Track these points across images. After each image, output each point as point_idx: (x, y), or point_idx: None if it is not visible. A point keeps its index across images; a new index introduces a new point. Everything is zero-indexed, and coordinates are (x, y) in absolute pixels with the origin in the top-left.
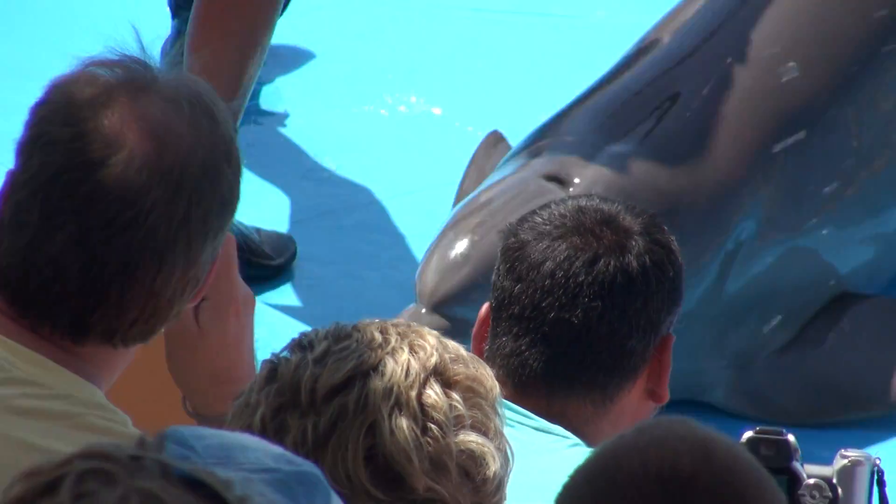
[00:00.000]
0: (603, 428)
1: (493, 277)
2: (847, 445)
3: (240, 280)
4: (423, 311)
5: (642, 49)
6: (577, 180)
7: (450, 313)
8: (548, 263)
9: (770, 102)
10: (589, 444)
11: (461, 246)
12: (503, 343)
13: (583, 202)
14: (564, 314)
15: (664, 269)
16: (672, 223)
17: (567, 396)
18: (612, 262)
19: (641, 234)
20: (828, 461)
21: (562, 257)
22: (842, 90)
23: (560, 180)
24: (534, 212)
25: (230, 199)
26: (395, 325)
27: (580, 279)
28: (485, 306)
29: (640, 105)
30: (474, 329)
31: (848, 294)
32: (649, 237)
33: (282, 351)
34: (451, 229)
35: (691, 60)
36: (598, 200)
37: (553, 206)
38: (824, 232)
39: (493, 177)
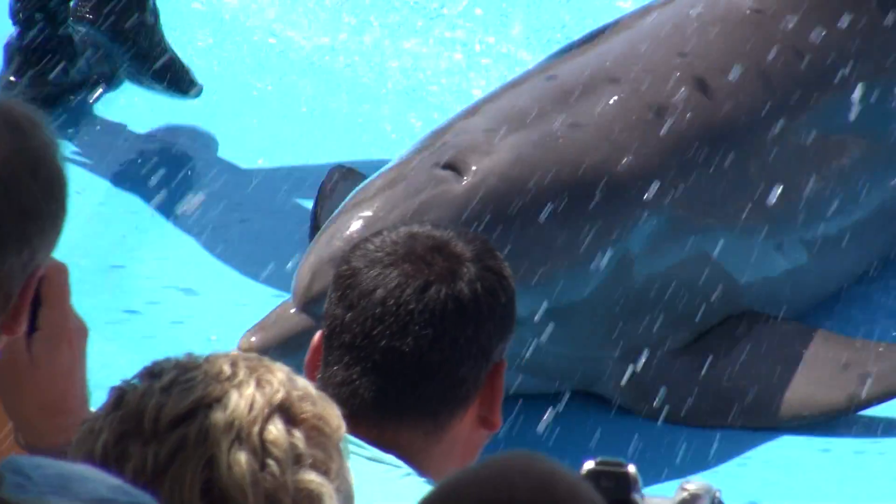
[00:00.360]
0: (435, 456)
1: (326, 305)
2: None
3: (73, 311)
4: (293, 310)
5: (554, 56)
6: (474, 168)
7: (319, 313)
8: (379, 291)
9: (684, 110)
10: (422, 472)
11: (338, 243)
12: (335, 372)
13: (415, 229)
14: (395, 342)
15: (496, 296)
16: (569, 213)
17: (399, 425)
18: (443, 290)
19: (473, 261)
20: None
21: (393, 285)
22: (763, 113)
23: (456, 168)
24: (366, 238)
25: (35, 213)
26: (246, 359)
27: (411, 307)
28: (317, 334)
29: (546, 100)
30: (307, 357)
31: (758, 314)
32: (481, 263)
33: (132, 378)
34: (334, 224)
35: (605, 64)
36: (430, 227)
37: (385, 232)
38: (730, 244)
39: (386, 167)
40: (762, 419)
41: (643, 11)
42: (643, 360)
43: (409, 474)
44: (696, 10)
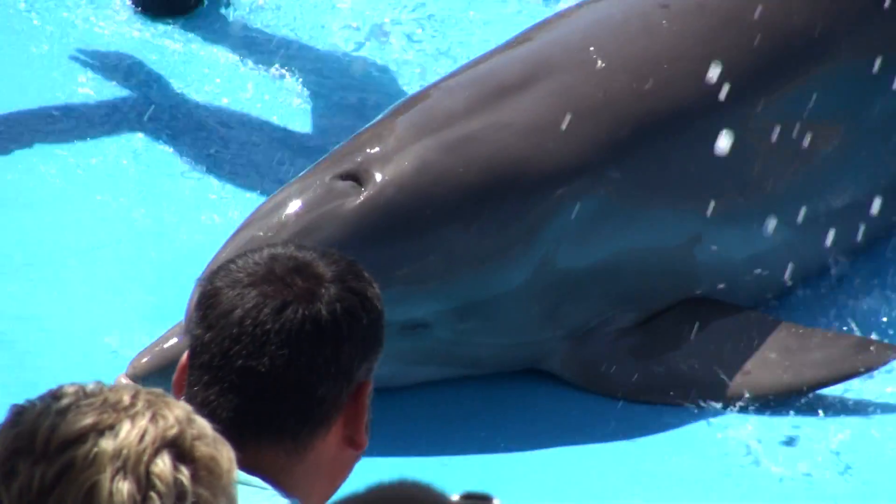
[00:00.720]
0: (299, 476)
1: (191, 325)
2: None
3: None
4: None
5: (479, 56)
6: (377, 177)
7: None
8: (237, 311)
9: (623, 96)
10: (287, 493)
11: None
12: (195, 392)
13: (277, 250)
14: (252, 362)
15: (357, 317)
16: (480, 214)
17: (258, 445)
18: (300, 310)
19: (334, 282)
20: None
21: (250, 305)
22: (713, 93)
23: (357, 178)
24: (231, 259)
25: None
26: (150, 393)
27: (267, 327)
28: (185, 354)
29: (465, 102)
30: (175, 377)
31: (712, 300)
32: (343, 284)
33: (36, 397)
34: (228, 244)
35: (530, 61)
36: (293, 248)
37: (249, 254)
38: (674, 228)
39: (292, 180)
40: (706, 397)
41: (574, 8)
42: (590, 337)
43: (275, 496)
44: (630, 5)
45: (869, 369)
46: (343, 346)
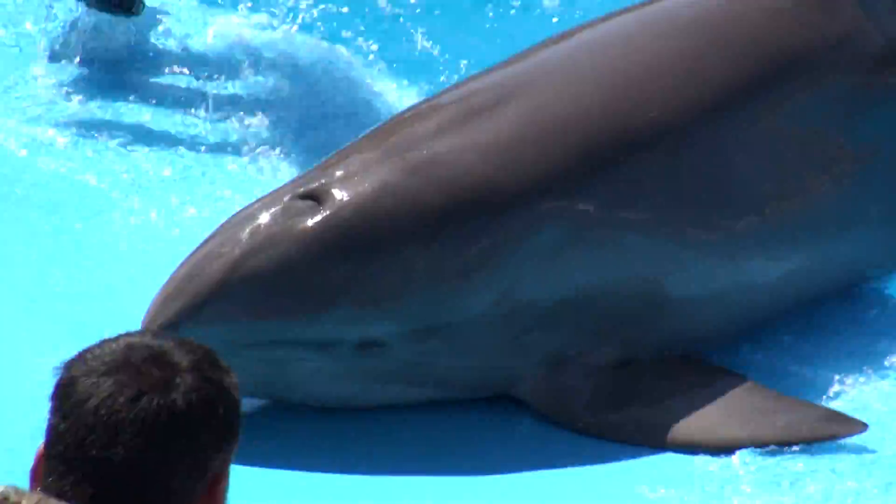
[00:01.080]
0: None
1: (48, 415)
2: None
3: None
4: None
5: (448, 87)
6: (336, 196)
7: None
8: (92, 400)
9: (598, 122)
10: None
11: (180, 280)
12: (50, 484)
13: (134, 339)
14: (105, 452)
15: (213, 407)
16: (439, 233)
17: None
18: (155, 399)
19: (190, 371)
20: None
21: (105, 394)
22: (693, 119)
23: (317, 198)
24: (89, 348)
25: None
26: (37, 499)
27: (122, 416)
28: (41, 444)
29: (439, 124)
30: (32, 467)
31: (698, 361)
32: (199, 374)
33: None
34: (189, 258)
35: (509, 85)
36: (150, 336)
37: (106, 343)
38: (656, 257)
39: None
40: (667, 445)
41: (558, 35)
42: (563, 367)
43: None
44: (612, 28)
45: (832, 438)
46: (198, 437)
